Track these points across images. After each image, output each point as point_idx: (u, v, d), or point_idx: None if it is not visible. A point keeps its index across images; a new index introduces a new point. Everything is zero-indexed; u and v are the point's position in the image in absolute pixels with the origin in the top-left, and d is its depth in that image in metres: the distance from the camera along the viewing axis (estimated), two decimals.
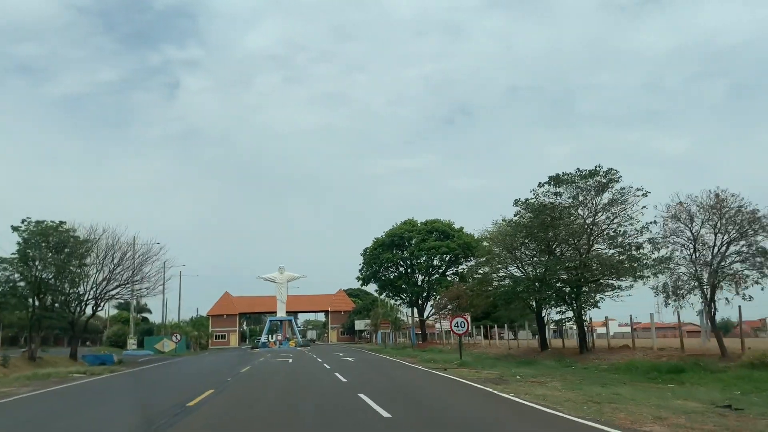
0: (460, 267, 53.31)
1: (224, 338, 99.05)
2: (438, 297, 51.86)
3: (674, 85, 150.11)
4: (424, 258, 52.02)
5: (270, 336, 69.02)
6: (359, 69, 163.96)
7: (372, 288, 66.60)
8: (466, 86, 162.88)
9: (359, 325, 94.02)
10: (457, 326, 27.87)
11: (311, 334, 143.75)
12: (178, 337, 58.75)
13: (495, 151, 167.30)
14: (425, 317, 54.58)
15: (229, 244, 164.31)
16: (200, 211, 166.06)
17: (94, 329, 76.69)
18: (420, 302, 54.27)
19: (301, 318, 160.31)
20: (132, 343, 59.42)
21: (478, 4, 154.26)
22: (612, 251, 22.04)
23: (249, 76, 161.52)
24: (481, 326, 59.29)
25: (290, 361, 31.02)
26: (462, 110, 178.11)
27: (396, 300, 56.98)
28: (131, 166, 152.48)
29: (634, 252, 20.90)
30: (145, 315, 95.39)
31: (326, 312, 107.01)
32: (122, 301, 54.78)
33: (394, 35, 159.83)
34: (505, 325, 47.20)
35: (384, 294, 57.14)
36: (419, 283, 53.49)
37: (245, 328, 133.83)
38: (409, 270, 53.93)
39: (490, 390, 13.81)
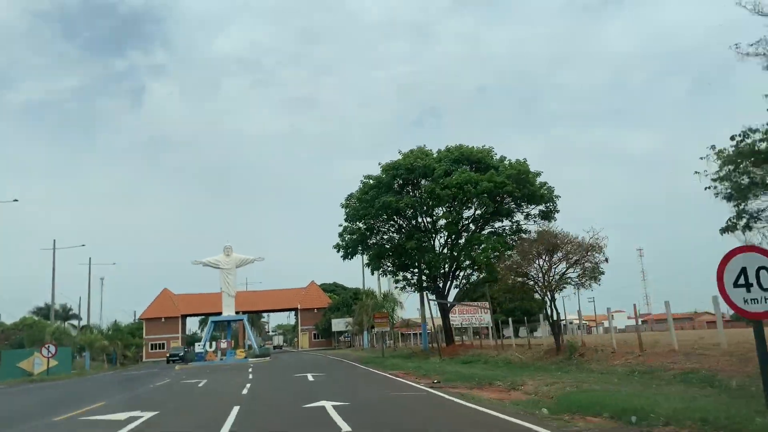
0: (503, 222, 32.65)
1: (163, 347, 76.44)
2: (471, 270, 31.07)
3: (637, 84, 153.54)
4: (447, 205, 30.98)
5: (209, 344, 47.13)
6: (328, 72, 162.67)
7: (357, 264, 46.06)
8: (434, 88, 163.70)
9: (337, 325, 72.73)
10: None
11: (278, 340, 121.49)
12: (52, 350, 36.81)
13: None
14: (449, 305, 33.62)
15: (196, 249, 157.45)
16: (167, 216, 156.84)
17: None
18: (441, 282, 33.33)
19: (273, 322, 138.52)
20: None
21: (445, 6, 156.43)
22: None
23: (216, 80, 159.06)
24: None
25: (138, 423, 9.51)
26: (431, 112, 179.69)
27: (397, 279, 35.90)
28: (98, 173, 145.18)
29: None
30: (72, 322, 72.94)
31: (295, 310, 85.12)
32: None
33: (362, 38, 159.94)
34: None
35: (379, 271, 35.70)
36: (439, 250, 32.48)
37: (199, 332, 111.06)
38: (421, 227, 32.86)
39: None
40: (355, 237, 33.79)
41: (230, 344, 47.79)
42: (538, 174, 30.46)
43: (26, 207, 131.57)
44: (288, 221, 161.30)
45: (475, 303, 36.86)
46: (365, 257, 35.27)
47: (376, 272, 36.23)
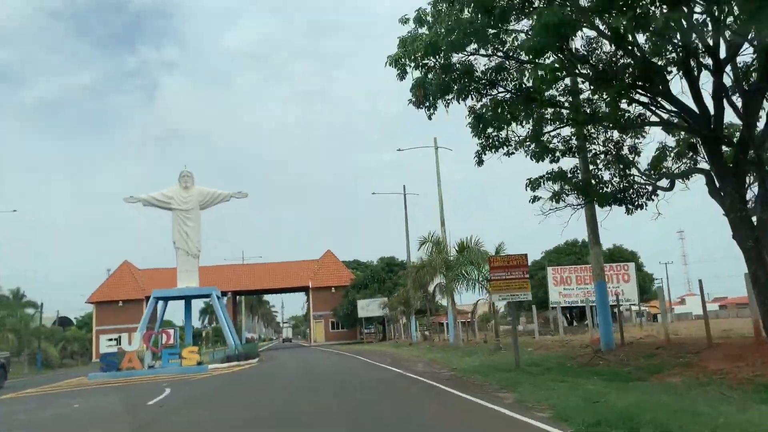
0: None
1: (120, 342, 54.29)
2: None
3: None
4: None
5: (141, 339, 25.14)
6: (339, 64, 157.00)
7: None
8: None
9: (367, 308, 50.22)
10: None
11: (286, 332, 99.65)
12: None
13: None
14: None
15: (206, 244, 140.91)
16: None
17: None
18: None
19: (287, 311, 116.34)
20: None
21: None
22: None
23: (228, 75, 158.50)
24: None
25: None
26: None
27: (536, 182, 13.24)
28: (112, 170, 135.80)
29: None
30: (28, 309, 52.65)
31: (306, 290, 62.72)
32: None
33: (372, 29, 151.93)
34: None
35: (513, 144, 12.52)
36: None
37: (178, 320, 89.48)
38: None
39: None
40: (457, 31, 11.09)
41: (170, 338, 25.86)
42: None
43: (41, 203, 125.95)
44: (300, 214, 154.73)
45: None
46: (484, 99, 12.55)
47: (493, 152, 13.16)
